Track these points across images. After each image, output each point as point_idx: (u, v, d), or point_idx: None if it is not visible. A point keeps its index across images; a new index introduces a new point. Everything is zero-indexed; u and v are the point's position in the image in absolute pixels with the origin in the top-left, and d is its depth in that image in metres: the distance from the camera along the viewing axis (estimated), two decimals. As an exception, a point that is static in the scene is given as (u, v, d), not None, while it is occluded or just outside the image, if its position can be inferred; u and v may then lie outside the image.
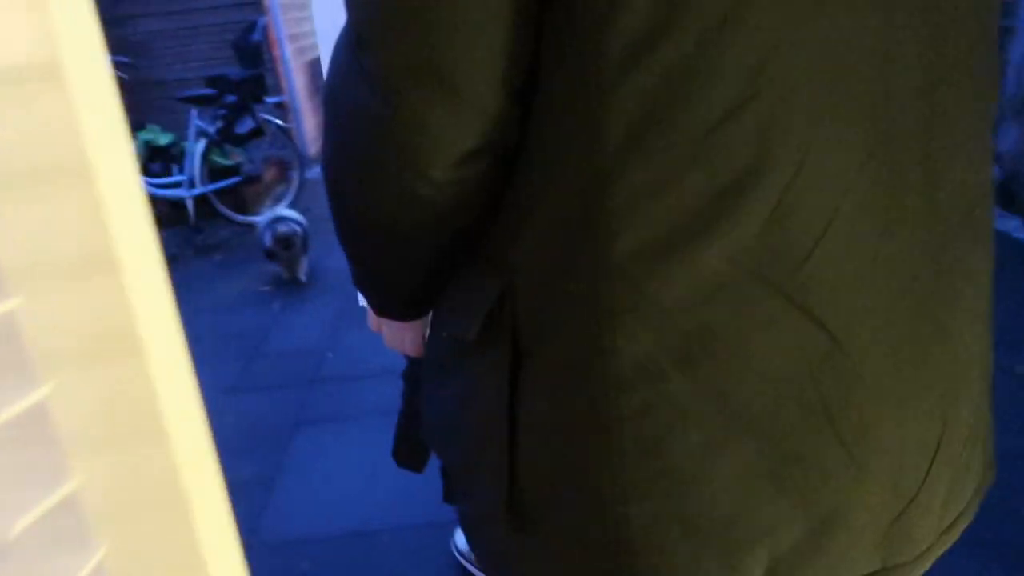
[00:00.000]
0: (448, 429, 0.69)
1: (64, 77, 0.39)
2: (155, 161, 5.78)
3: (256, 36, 5.27)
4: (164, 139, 5.82)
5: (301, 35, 7.96)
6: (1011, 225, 3.86)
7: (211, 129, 5.11)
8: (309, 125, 7.56)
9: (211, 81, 5.18)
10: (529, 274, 0.56)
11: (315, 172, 5.24)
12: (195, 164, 5.14)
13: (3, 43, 0.37)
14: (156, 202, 5.15)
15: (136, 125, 5.98)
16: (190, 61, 6.73)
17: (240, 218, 5.43)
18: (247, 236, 5.34)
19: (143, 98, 6.80)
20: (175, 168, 5.48)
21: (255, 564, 0.61)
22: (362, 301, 0.88)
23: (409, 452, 1.07)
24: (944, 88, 0.51)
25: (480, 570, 1.86)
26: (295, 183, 5.74)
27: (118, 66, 5.02)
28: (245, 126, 5.18)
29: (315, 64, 8.41)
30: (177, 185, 5.15)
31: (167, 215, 5.60)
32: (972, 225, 0.56)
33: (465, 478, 0.67)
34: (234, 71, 5.31)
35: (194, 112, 5.14)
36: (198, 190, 5.17)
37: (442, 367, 0.70)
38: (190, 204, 5.14)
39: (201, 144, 5.16)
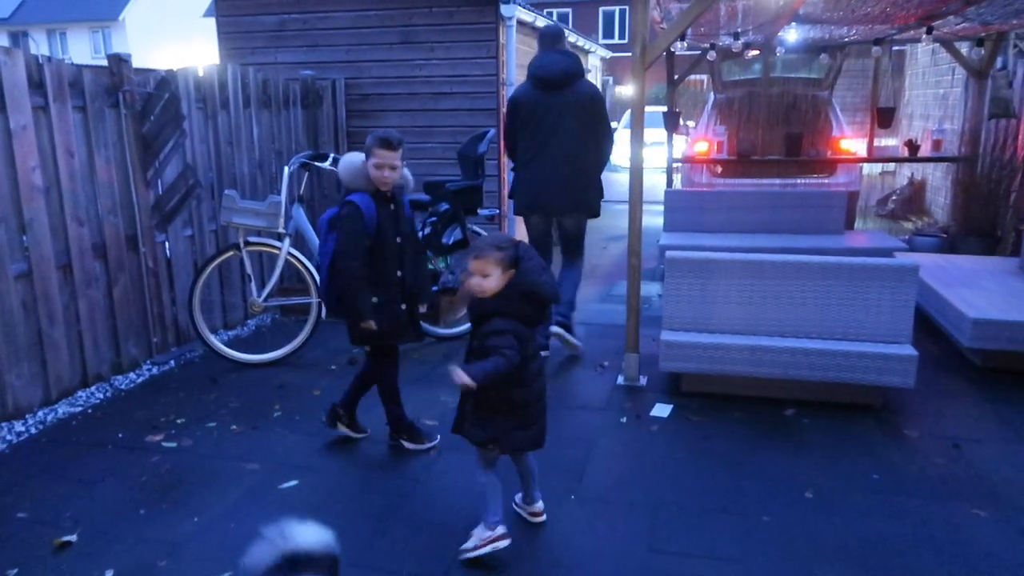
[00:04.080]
0: None
1: None
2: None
3: (482, 147, 5.07)
4: (378, 231, 5.76)
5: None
6: None
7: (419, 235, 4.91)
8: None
9: (428, 187, 5.02)
10: None
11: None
12: (395, 268, 4.94)
13: None
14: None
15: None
16: (421, 159, 6.77)
17: (427, 328, 5.16)
18: (430, 349, 5.05)
19: (370, 187, 6.92)
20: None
21: None
22: None
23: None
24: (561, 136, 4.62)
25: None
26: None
27: (336, 163, 5.01)
28: (452, 236, 4.94)
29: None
30: (373, 285, 4.98)
31: (359, 312, 5.47)
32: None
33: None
34: (454, 179, 5.13)
35: (404, 215, 4.98)
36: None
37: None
38: (381, 307, 4.93)
39: (404, 248, 4.97)
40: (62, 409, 4.05)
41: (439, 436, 3.66)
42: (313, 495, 3.17)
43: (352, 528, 2.92)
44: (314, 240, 4.86)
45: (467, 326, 5.26)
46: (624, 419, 3.89)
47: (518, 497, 3.02)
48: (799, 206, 6.63)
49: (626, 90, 26.22)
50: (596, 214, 4.90)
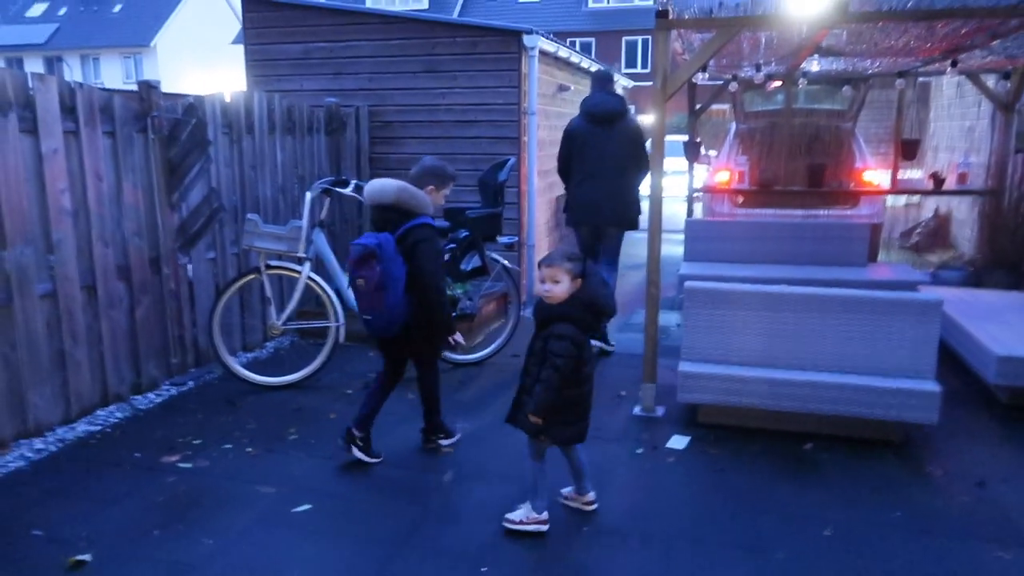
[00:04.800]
0: None
1: None
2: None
3: (503, 175, 5.11)
4: (398, 257, 5.80)
5: (554, 171, 7.90)
6: None
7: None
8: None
9: (448, 213, 5.06)
10: None
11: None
12: (413, 293, 4.97)
13: None
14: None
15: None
16: (441, 184, 6.81)
17: (445, 354, 5.16)
18: (447, 375, 5.03)
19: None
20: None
21: None
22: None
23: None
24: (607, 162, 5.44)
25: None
26: (511, 323, 5.42)
27: (360, 190, 5.06)
28: (470, 263, 4.96)
29: (562, 200, 8.30)
30: (392, 311, 5.00)
31: (377, 337, 5.49)
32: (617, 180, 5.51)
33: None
34: (474, 206, 5.16)
35: (425, 241, 5.01)
36: (410, 320, 4.97)
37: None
38: (399, 332, 4.95)
39: (424, 274, 5.00)
40: (81, 428, 4.09)
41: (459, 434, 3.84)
42: (326, 520, 3.16)
43: (364, 554, 2.90)
44: (334, 265, 4.90)
45: (484, 352, 5.29)
46: (640, 450, 3.86)
47: (566, 490, 3.26)
48: (821, 237, 6.58)
49: (648, 119, 26.34)
50: (635, 227, 5.72)
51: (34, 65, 37.17)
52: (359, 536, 3.04)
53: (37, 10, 39.43)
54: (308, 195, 4.77)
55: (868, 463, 3.69)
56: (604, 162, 5.45)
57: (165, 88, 4.82)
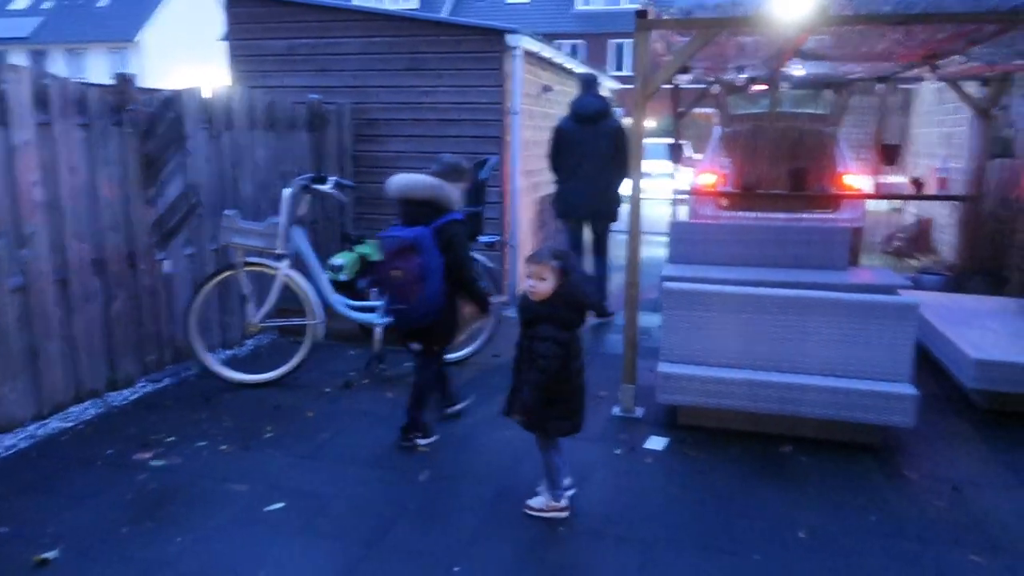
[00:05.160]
0: None
1: None
2: (365, 275, 5.71)
3: (483, 174, 5.08)
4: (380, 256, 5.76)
5: (539, 171, 7.89)
6: None
7: (417, 259, 4.90)
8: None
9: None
10: None
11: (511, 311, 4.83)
12: (393, 292, 4.94)
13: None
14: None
15: (357, 239, 6.01)
16: (424, 183, 6.79)
17: (425, 353, 5.13)
18: (427, 375, 5.00)
19: (375, 212, 6.95)
20: (377, 291, 5.35)
21: None
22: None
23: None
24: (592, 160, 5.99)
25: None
26: (491, 323, 5.39)
27: (341, 187, 5.03)
28: (451, 262, 4.92)
29: (548, 199, 8.29)
30: (372, 310, 4.97)
31: (356, 334, 5.46)
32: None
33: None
34: (455, 204, 5.13)
35: (405, 239, 4.98)
36: (391, 319, 4.94)
37: None
38: (378, 331, 4.92)
39: (403, 273, 4.97)
40: (53, 424, 4.03)
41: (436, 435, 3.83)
42: (299, 518, 3.13)
43: (336, 553, 2.87)
44: (314, 262, 4.86)
45: (464, 352, 5.27)
46: (618, 451, 3.84)
47: (535, 501, 3.23)
48: (803, 241, 6.60)
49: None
50: (615, 219, 6.26)
51: (17, 60, 36.71)
52: (332, 535, 3.00)
53: (22, 3, 38.99)
54: (286, 191, 4.72)
55: (846, 466, 3.69)
56: (587, 159, 5.99)
57: (151, 84, 4.76)
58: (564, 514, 3.15)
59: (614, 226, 6.50)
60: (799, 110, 8.75)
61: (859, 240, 7.87)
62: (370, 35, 6.75)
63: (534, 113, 7.52)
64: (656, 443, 3.93)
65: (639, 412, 4.32)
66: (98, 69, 36.33)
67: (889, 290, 5.82)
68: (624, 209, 5.25)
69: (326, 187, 4.87)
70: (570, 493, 3.26)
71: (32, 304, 3.96)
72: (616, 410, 4.35)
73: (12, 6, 38.91)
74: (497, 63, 6.55)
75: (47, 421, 4.05)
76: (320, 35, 6.86)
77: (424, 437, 3.90)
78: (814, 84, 7.90)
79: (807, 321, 3.93)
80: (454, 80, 6.63)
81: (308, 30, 6.88)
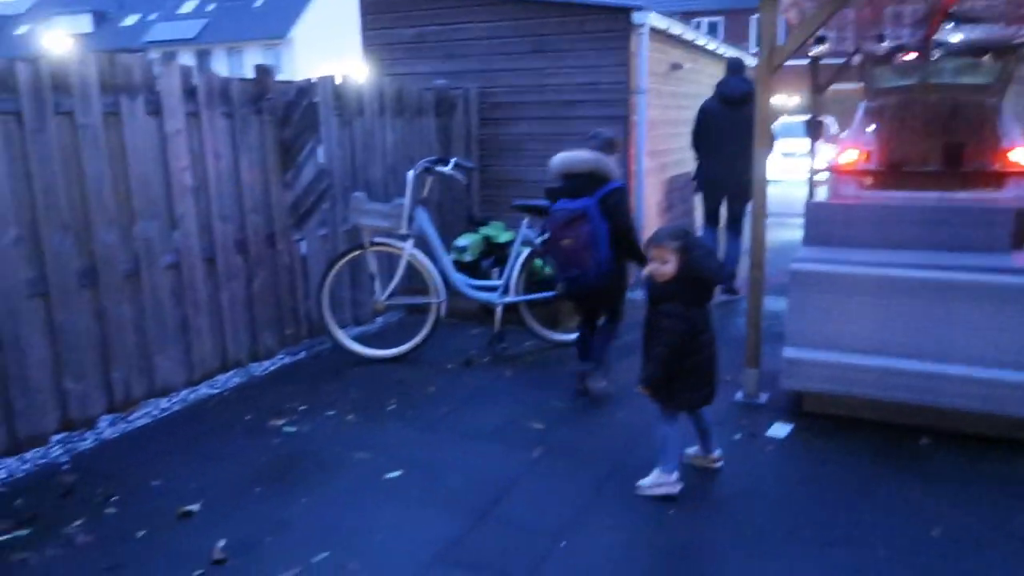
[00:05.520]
0: None
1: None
2: (489, 256, 5.82)
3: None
4: (504, 237, 5.84)
5: (667, 151, 7.71)
6: None
7: (537, 240, 4.95)
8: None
9: (549, 192, 5.03)
10: None
11: (634, 294, 4.77)
12: (514, 272, 5.00)
13: None
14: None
15: (481, 221, 6.12)
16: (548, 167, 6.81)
17: (544, 332, 5.17)
18: (545, 353, 5.05)
19: (500, 194, 7.04)
20: (499, 272, 5.44)
21: None
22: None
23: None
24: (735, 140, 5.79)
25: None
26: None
27: (461, 168, 5.12)
28: (570, 243, 4.93)
29: (676, 180, 8.11)
30: (492, 290, 5.06)
31: (478, 313, 5.57)
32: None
33: None
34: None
35: (525, 220, 5.03)
36: (510, 298, 5.01)
37: None
38: (499, 310, 5.00)
39: (524, 253, 5.02)
40: (202, 390, 4.39)
41: (541, 447, 3.66)
42: (415, 487, 3.25)
43: (446, 521, 2.96)
44: (436, 241, 4.99)
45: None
46: (738, 436, 3.72)
47: (691, 450, 3.39)
48: (957, 222, 6.06)
49: (777, 99, 25.22)
50: (750, 197, 6.04)
51: (186, 59, 39.88)
52: (444, 504, 3.10)
53: (188, 7, 42.26)
54: (410, 174, 4.87)
55: (992, 463, 3.39)
56: (728, 140, 6.15)
57: (301, 77, 5.07)
58: (675, 489, 3.13)
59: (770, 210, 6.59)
60: (955, 80, 8.04)
61: (1025, 221, 7.16)
62: (495, 19, 6.82)
63: (662, 92, 7.34)
64: (779, 430, 3.77)
65: (763, 398, 4.16)
66: (255, 65, 38.87)
67: (1056, 275, 5.27)
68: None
69: (447, 168, 4.98)
70: (719, 465, 3.36)
71: (183, 281, 4.31)
72: (739, 395, 4.20)
73: (180, 10, 42.25)
74: (623, 42, 6.45)
75: (197, 387, 4.41)
76: (447, 21, 7.00)
77: (597, 381, 4.21)
78: (972, 51, 7.22)
79: (953, 305, 3.63)
80: (578, 61, 6.59)
81: (436, 17, 7.04)
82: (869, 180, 7.61)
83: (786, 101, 23.85)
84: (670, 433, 3.16)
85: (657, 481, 3.14)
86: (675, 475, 3.15)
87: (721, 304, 6.18)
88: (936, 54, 6.89)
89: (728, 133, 6.20)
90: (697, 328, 3.07)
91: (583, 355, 4.33)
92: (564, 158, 4.12)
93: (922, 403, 3.64)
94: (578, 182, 4.04)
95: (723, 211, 6.66)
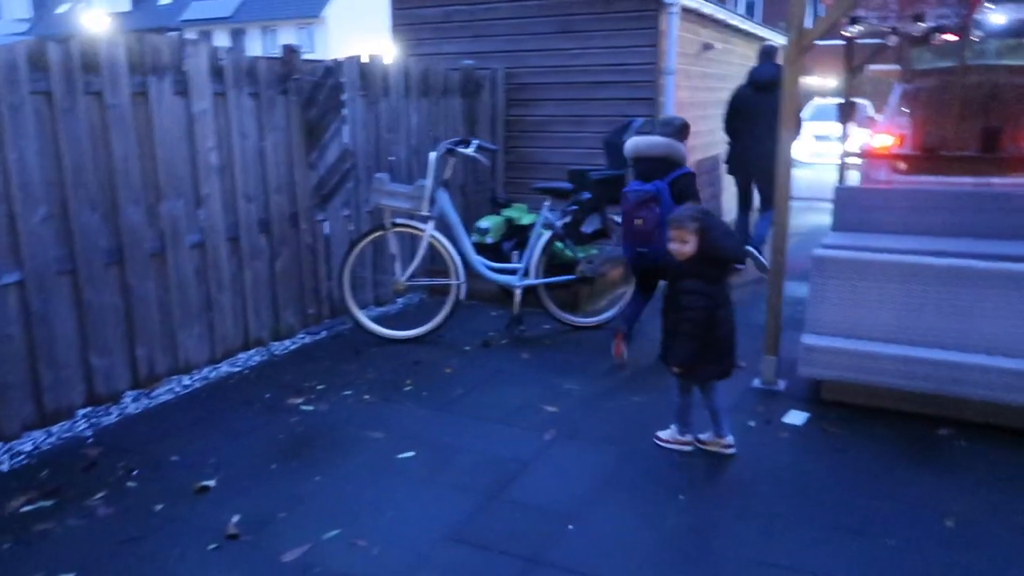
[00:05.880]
0: None
1: None
2: (510, 238, 5.82)
3: (627, 137, 4.97)
4: (527, 219, 5.83)
5: (696, 134, 7.61)
6: None
7: (558, 223, 4.93)
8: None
9: (572, 175, 5.02)
10: None
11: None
12: (534, 255, 5.00)
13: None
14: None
15: (504, 203, 6.12)
16: (574, 148, 6.78)
17: (563, 315, 5.17)
18: (563, 337, 5.05)
19: (525, 176, 7.03)
20: (519, 255, 5.43)
21: None
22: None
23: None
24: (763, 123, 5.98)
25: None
26: (633, 289, 5.32)
27: (483, 150, 5.10)
28: (591, 226, 4.91)
29: (710, 161, 8.01)
30: (512, 272, 5.06)
31: (498, 296, 5.58)
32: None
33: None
34: (599, 168, 5.09)
35: (546, 203, 5.01)
36: (529, 281, 5.01)
37: None
38: (518, 293, 5.00)
39: (545, 236, 5.01)
40: (224, 368, 4.47)
41: (554, 431, 3.68)
42: (427, 467, 3.29)
43: (456, 501, 2.99)
44: (457, 224, 5.00)
45: (604, 316, 5.24)
46: (752, 423, 3.69)
47: (704, 435, 3.44)
48: (994, 208, 5.92)
49: (813, 80, 24.68)
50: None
51: (221, 37, 40.19)
52: (455, 485, 3.13)
53: (224, -15, 42.51)
54: (432, 155, 4.88)
55: (1012, 455, 3.33)
56: (759, 123, 6.27)
57: (334, 56, 5.10)
58: (688, 447, 3.40)
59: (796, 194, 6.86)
60: (999, 61, 7.79)
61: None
62: (523, 0, 6.77)
63: (691, 73, 7.24)
64: (795, 418, 3.74)
65: (781, 385, 4.12)
66: (282, 45, 39.04)
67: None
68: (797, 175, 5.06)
69: (469, 150, 4.98)
70: (732, 451, 3.38)
71: (207, 259, 4.38)
72: (756, 382, 4.17)
73: (217, -12, 42.49)
74: (652, 22, 6.36)
75: (219, 365, 4.49)
76: (475, 2, 6.97)
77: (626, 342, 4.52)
78: (1014, 32, 7.00)
79: (979, 294, 3.55)
80: (605, 41, 6.52)
81: (464, -3, 7.00)
82: (903, 165, 7.44)
83: (823, 83, 23.33)
84: (682, 403, 3.38)
85: (674, 437, 3.43)
86: (688, 436, 3.42)
87: (753, 283, 6.29)
88: (976, 35, 6.68)
89: (757, 117, 6.33)
90: (716, 303, 3.18)
91: (631, 324, 4.64)
92: (639, 142, 4.39)
93: (943, 392, 3.58)
94: (651, 165, 4.32)
95: (756, 195, 6.85)
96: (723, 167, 7.29)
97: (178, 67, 4.09)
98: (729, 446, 3.37)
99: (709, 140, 7.96)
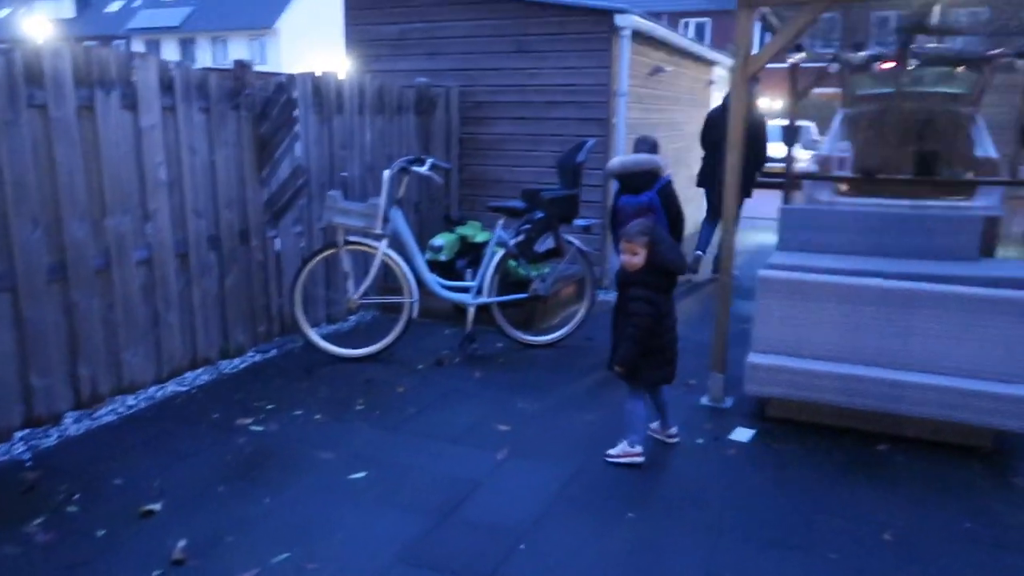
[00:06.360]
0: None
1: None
2: (464, 256, 5.84)
3: (580, 157, 5.06)
4: (480, 237, 5.87)
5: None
6: None
7: (511, 241, 4.97)
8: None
9: (525, 194, 5.06)
10: None
11: (609, 295, 4.82)
12: (487, 273, 5.02)
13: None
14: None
15: (458, 221, 6.14)
16: (528, 166, 6.85)
17: (516, 333, 5.20)
18: (516, 355, 5.08)
19: (479, 194, 7.06)
20: (473, 273, 5.46)
21: None
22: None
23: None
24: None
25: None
26: (586, 306, 5.39)
27: (437, 169, 5.12)
28: (544, 245, 4.96)
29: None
30: (466, 290, 5.08)
31: (451, 313, 5.59)
32: None
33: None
34: (551, 188, 5.15)
35: (500, 222, 5.05)
36: (483, 299, 5.04)
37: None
38: (471, 311, 5.02)
39: (498, 254, 5.04)
40: (170, 388, 4.38)
41: (507, 449, 3.70)
42: (378, 487, 3.27)
43: (408, 522, 2.98)
44: (410, 242, 5.00)
45: (557, 334, 5.29)
46: (701, 440, 3.77)
47: (654, 425, 3.74)
48: (927, 229, 6.17)
49: (766, 101, 25.37)
50: (748, 195, 7.25)
51: (170, 47, 39.53)
52: (407, 506, 3.12)
53: (174, -7, 41.89)
54: (386, 173, 4.88)
55: (947, 469, 3.47)
56: (724, 143, 6.49)
57: (287, 69, 5.04)
58: (640, 459, 3.48)
59: (746, 213, 7.92)
60: (932, 89, 8.14)
61: (996, 230, 7.28)
62: (478, 18, 6.83)
63: (642, 95, 7.38)
64: (741, 435, 3.82)
65: (728, 402, 4.21)
66: (239, 55, 38.52)
67: (1020, 284, 5.36)
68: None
69: (423, 169, 4.99)
70: (675, 440, 3.71)
71: (155, 276, 4.30)
72: (704, 399, 4.25)
73: (166, -3, 41.83)
74: (605, 44, 6.48)
75: (165, 385, 4.40)
76: (431, 20, 7.01)
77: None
78: (948, 61, 7.32)
79: (913, 314, 3.70)
80: (559, 62, 6.62)
81: (419, 15, 7.04)
82: (844, 186, 7.70)
83: (770, 105, 24.00)
84: (636, 409, 3.51)
85: (624, 451, 3.49)
86: (639, 448, 3.49)
87: (701, 286, 6.45)
88: (913, 64, 6.97)
89: (722, 137, 6.60)
90: (662, 312, 3.41)
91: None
92: (625, 160, 4.88)
93: (882, 410, 3.70)
94: (638, 180, 4.80)
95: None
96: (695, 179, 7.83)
97: (126, 80, 4.03)
98: (672, 436, 3.72)
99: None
